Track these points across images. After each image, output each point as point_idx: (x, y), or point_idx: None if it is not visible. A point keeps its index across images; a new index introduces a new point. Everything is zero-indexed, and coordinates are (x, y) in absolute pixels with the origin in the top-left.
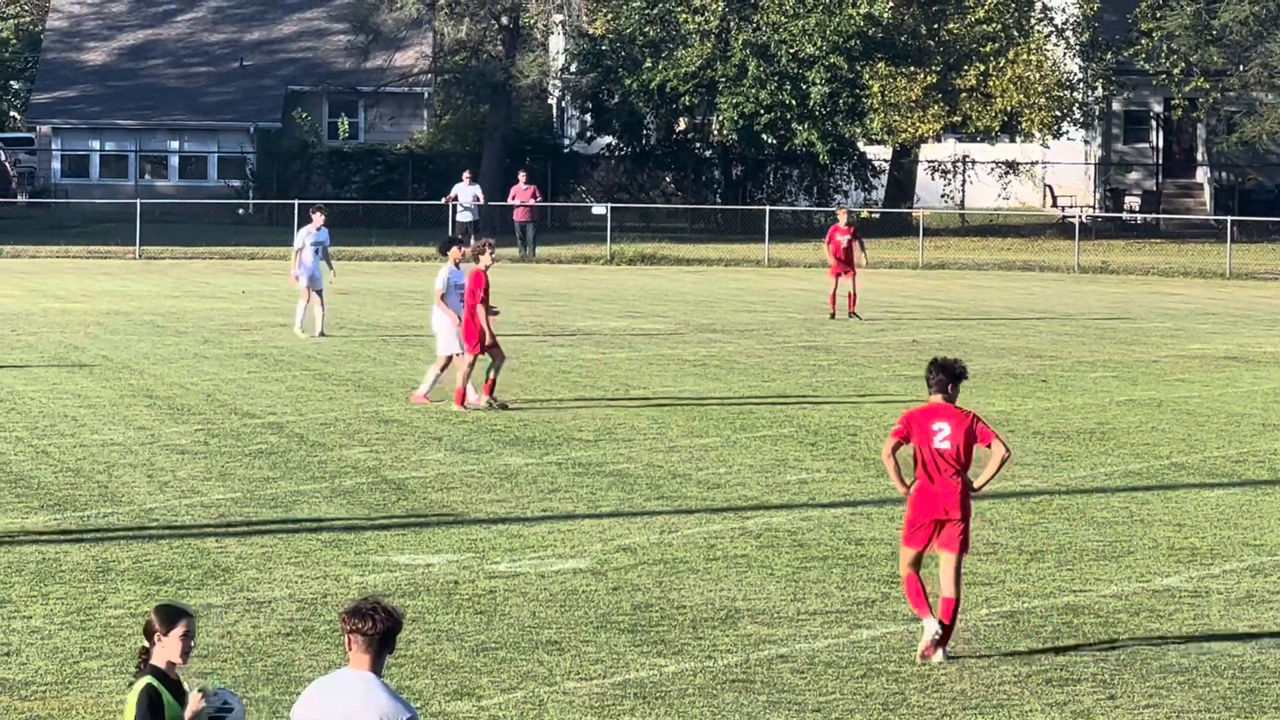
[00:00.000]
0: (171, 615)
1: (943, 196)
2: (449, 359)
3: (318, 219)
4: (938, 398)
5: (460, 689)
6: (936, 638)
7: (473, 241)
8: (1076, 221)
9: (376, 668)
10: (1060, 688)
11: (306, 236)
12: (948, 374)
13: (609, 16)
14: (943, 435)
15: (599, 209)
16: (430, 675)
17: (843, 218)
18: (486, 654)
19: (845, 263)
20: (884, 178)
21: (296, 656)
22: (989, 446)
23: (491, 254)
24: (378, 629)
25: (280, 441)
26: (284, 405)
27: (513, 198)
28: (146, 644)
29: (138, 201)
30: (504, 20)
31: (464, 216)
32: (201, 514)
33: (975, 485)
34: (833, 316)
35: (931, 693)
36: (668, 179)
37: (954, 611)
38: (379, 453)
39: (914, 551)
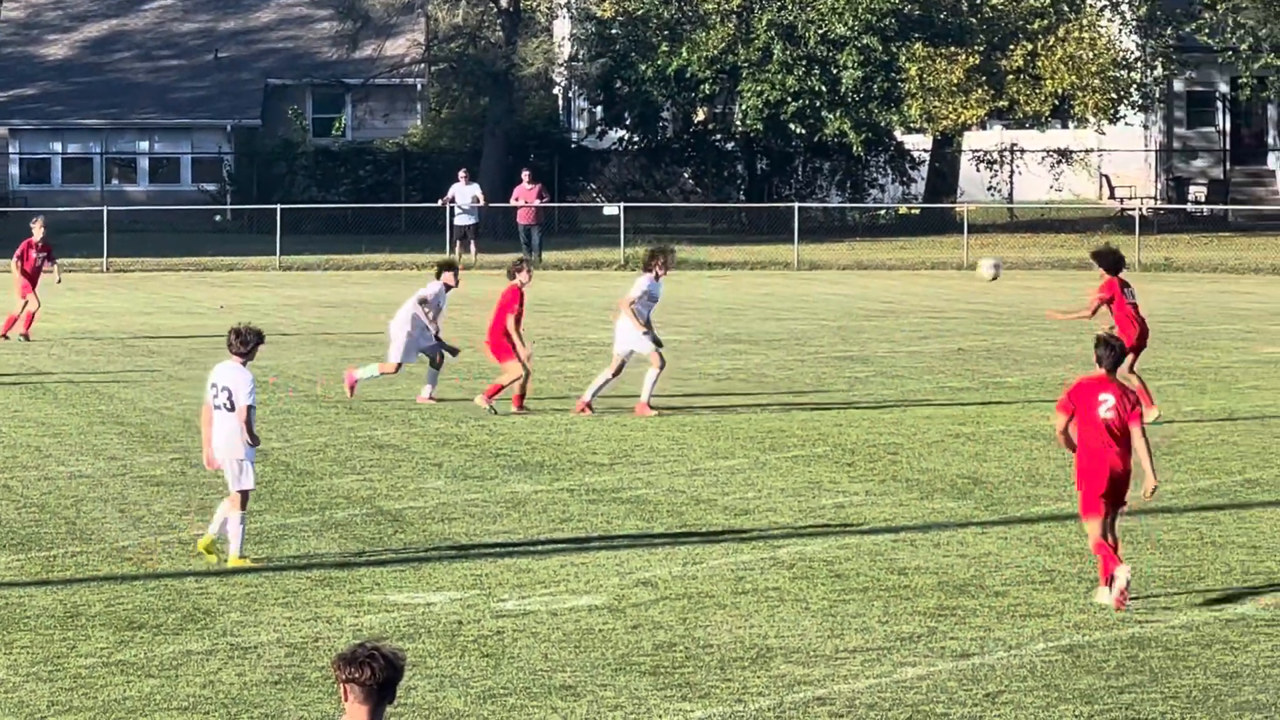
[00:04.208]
0: None
1: (989, 189)
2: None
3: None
4: (1104, 374)
5: None
6: (1128, 584)
7: (472, 248)
8: (1136, 214)
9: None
10: None
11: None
12: (1119, 353)
13: None
14: (1107, 406)
15: (611, 209)
16: None
17: (37, 232)
18: (494, 701)
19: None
20: (924, 170)
21: (286, 707)
22: (1134, 425)
23: (528, 272)
24: (377, 678)
25: (265, 470)
26: (268, 430)
27: (516, 199)
28: None
29: (104, 209)
30: (504, 3)
31: (462, 220)
32: (179, 552)
33: (1150, 486)
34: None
35: None
36: (686, 175)
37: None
38: (373, 481)
39: (1098, 521)
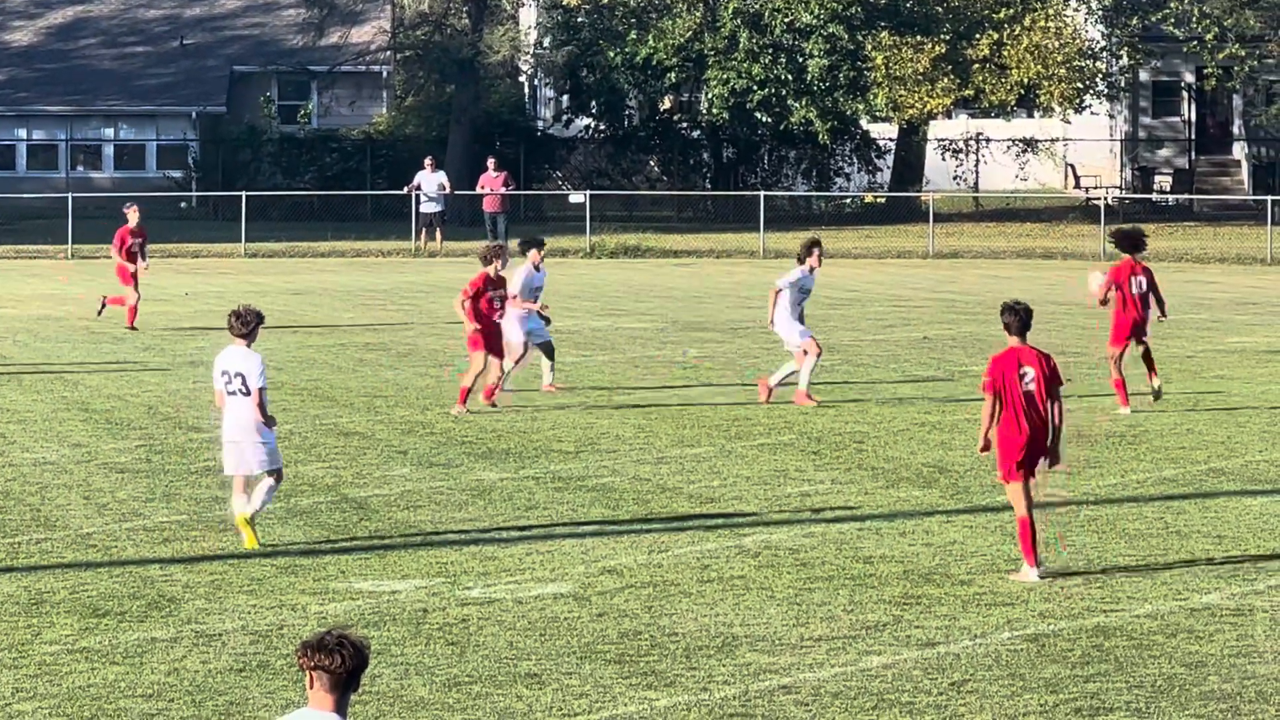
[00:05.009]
0: None
1: (954, 178)
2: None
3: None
4: (1016, 340)
5: None
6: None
7: (437, 235)
8: (1101, 204)
9: (341, 707)
10: (1090, 718)
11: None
12: (1025, 317)
13: None
14: (1029, 378)
15: (577, 197)
16: (398, 713)
17: (133, 218)
18: (459, 689)
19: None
20: (889, 158)
21: (250, 695)
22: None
23: (503, 260)
24: (343, 666)
25: None
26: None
27: (482, 186)
28: None
29: (69, 196)
30: None
31: (428, 208)
32: (144, 539)
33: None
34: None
35: None
36: (652, 163)
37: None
38: (339, 469)
39: (1021, 485)
